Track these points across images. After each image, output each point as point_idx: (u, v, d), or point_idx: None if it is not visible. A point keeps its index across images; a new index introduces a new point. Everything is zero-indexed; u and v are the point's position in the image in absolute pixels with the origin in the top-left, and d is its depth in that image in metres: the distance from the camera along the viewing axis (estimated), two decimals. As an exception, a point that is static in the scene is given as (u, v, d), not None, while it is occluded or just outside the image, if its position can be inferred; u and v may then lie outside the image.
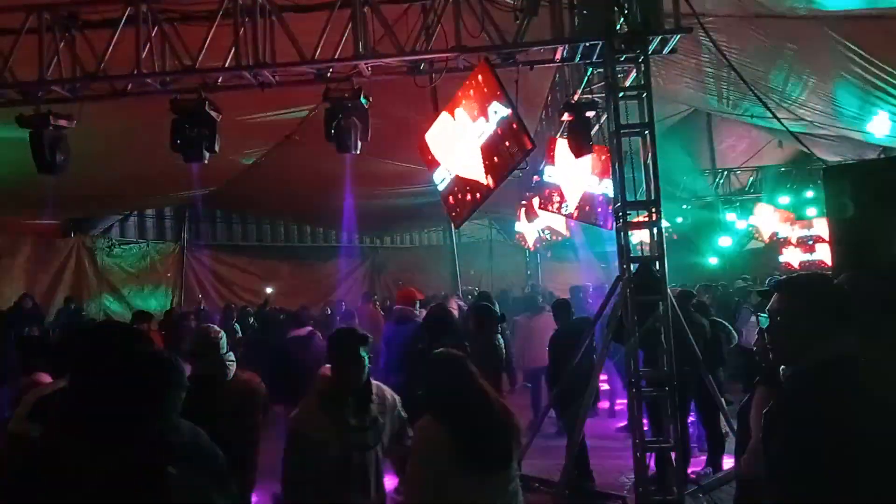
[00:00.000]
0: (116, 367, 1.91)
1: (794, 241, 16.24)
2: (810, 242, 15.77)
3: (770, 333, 2.07)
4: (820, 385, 1.85)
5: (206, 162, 5.90)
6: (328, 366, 3.29)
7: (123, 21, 5.52)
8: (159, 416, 1.92)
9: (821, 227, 14.90)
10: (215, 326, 4.17)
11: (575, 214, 8.89)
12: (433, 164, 6.29)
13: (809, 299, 1.96)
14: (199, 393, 3.25)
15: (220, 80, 5.89)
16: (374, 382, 3.35)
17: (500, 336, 6.08)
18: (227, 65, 5.61)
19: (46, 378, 3.66)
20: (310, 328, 6.58)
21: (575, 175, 8.42)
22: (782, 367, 1.98)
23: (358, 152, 5.85)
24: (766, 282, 10.05)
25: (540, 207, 9.69)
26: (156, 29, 5.59)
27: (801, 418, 1.82)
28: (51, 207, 11.78)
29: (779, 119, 7.14)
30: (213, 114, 5.75)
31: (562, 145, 7.46)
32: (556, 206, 8.89)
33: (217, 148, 5.82)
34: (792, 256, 16.34)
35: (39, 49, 5.57)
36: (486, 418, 2.95)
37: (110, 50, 5.55)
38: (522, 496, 3.11)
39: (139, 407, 1.88)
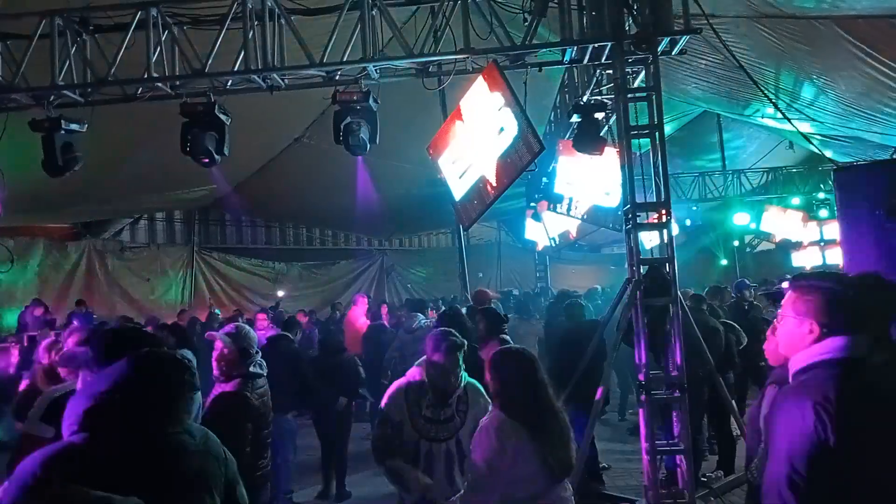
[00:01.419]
0: (130, 370, 1.91)
1: (805, 243, 16.13)
2: (822, 244, 15.66)
3: (780, 330, 2.06)
4: (821, 384, 1.83)
5: (217, 165, 5.93)
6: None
7: (134, 25, 5.56)
8: (173, 420, 1.90)
9: (833, 229, 14.79)
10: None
11: (584, 216, 8.86)
12: (441, 166, 6.29)
13: (819, 297, 1.95)
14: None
15: (229, 84, 5.92)
16: (469, 383, 3.50)
17: (507, 338, 6.05)
18: (236, 68, 5.64)
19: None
20: (280, 332, 6.62)
21: (584, 177, 8.39)
22: (790, 364, 1.97)
23: (367, 153, 5.86)
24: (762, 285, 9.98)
25: (549, 209, 9.66)
26: (166, 33, 5.62)
27: (797, 416, 1.80)
28: (62, 211, 11.91)
29: (789, 119, 7.11)
30: (223, 117, 5.78)
31: (571, 146, 7.44)
32: (565, 207, 8.86)
33: (227, 151, 5.85)
34: (804, 258, 16.23)
35: (51, 54, 5.62)
36: (557, 422, 2.93)
37: (121, 54, 5.58)
38: None
39: (153, 410, 1.87)
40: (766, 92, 6.53)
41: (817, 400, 1.76)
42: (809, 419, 1.75)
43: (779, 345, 2.07)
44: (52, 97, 5.86)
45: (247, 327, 4.02)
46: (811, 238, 16.03)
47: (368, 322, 9.77)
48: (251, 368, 3.76)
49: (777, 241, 16.96)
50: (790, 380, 1.94)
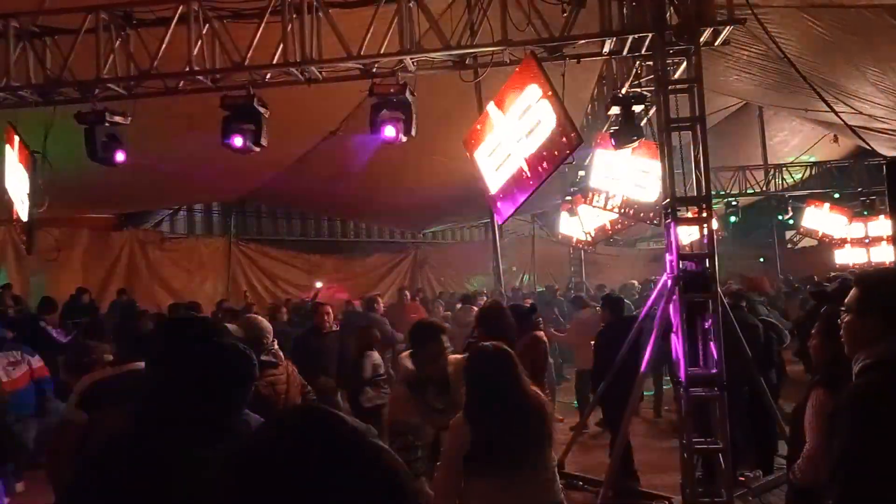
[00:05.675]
0: (198, 358, 1.90)
1: (850, 239, 15.66)
2: (867, 241, 15.17)
3: (844, 328, 2.00)
4: (890, 382, 1.77)
5: (254, 156, 6.02)
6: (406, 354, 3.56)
7: (176, 20, 5.66)
8: (236, 408, 1.90)
9: (879, 227, 14.32)
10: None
11: (621, 210, 8.75)
12: (477, 158, 6.26)
13: (885, 293, 1.89)
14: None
15: (268, 77, 5.99)
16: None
17: (541, 332, 6.01)
18: (274, 61, 5.70)
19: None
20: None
21: (622, 170, 8.28)
22: (854, 363, 1.91)
23: (404, 142, 5.87)
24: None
25: (585, 203, 9.59)
26: (206, 27, 5.71)
27: (867, 414, 1.75)
28: (105, 202, 12.21)
29: (836, 113, 6.88)
30: (262, 109, 5.85)
31: (608, 139, 7.35)
32: (601, 201, 8.77)
33: (265, 142, 5.92)
34: (848, 256, 15.77)
35: (96, 48, 5.75)
36: (516, 414, 2.89)
37: (163, 48, 5.69)
38: (563, 493, 3.08)
39: (219, 399, 1.86)
40: (811, 84, 6.33)
41: (887, 399, 1.71)
42: (878, 419, 1.69)
43: (843, 344, 2.00)
44: (96, 90, 6.00)
45: (258, 318, 4.11)
46: (856, 235, 15.55)
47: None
48: (262, 357, 3.88)
49: (820, 237, 16.46)
50: (853, 378, 1.89)
